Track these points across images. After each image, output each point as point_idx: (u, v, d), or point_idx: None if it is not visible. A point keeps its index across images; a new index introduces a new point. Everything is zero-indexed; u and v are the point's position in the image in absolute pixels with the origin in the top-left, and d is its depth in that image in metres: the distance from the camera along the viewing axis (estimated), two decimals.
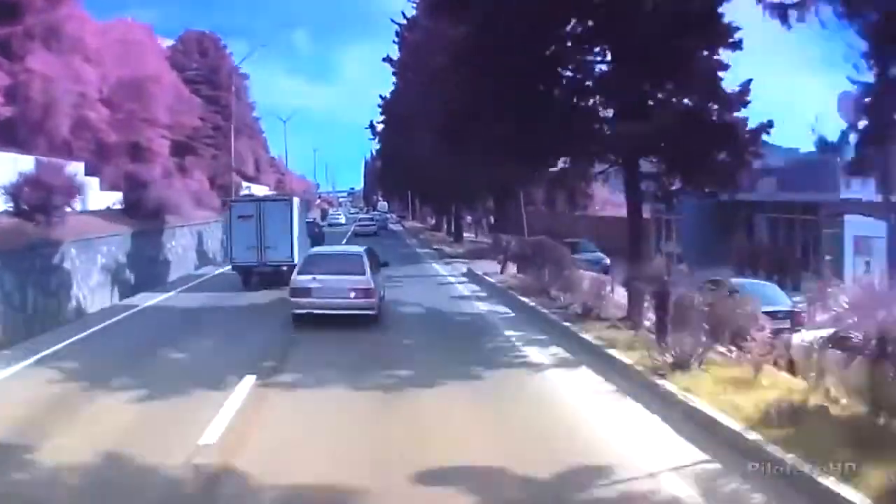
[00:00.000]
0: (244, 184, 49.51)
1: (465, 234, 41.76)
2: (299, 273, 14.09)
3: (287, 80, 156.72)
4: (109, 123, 31.34)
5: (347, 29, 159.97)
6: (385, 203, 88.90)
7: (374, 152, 76.46)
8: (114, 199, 24.29)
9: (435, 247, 36.94)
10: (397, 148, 41.95)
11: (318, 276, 13.57)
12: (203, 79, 48.16)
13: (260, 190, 50.18)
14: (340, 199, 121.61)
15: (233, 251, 20.06)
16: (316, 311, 13.36)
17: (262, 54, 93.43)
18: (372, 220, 58.88)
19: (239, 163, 53.45)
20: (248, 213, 19.85)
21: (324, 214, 68.54)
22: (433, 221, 59.55)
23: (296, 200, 21.48)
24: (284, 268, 18.08)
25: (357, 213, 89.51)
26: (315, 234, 28.90)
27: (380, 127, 47.51)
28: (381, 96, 44.66)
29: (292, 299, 13.80)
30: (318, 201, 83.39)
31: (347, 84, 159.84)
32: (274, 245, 19.41)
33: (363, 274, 13.79)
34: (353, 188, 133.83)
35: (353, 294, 13.48)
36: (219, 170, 46.08)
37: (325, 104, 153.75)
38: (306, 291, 13.51)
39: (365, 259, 14.34)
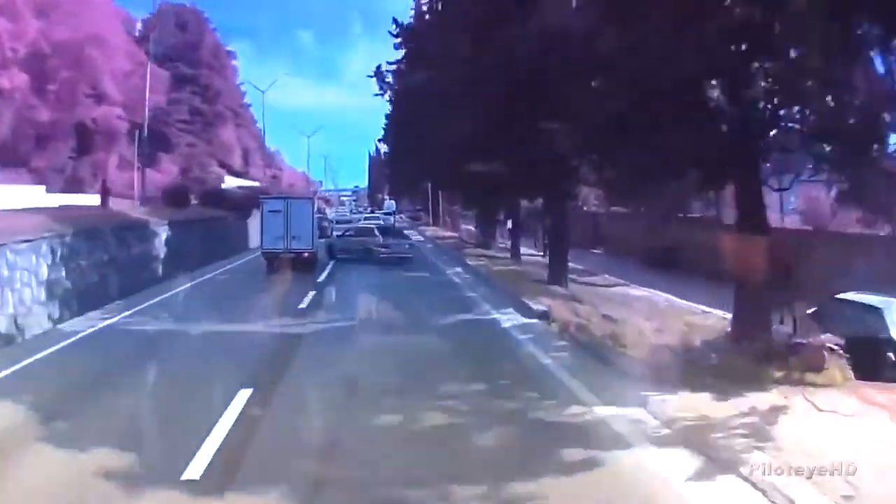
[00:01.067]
0: (225, 177, 42.70)
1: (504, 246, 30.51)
2: (381, 238, 29.22)
3: (290, 80, 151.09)
4: (38, 95, 24.88)
5: (350, 29, 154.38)
6: (392, 202, 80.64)
7: (378, 146, 66.55)
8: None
9: (524, 298, 15.95)
10: (419, 108, 24.62)
11: (391, 240, 29.34)
12: (179, 55, 41.69)
13: (234, 183, 42.40)
14: (343, 199, 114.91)
15: (264, 240, 23.43)
16: (392, 255, 27.08)
17: (263, 54, 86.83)
18: (379, 220, 51.30)
19: (223, 153, 46.98)
20: (278, 208, 23.42)
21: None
22: (473, 228, 39.35)
23: (315, 200, 28.75)
24: (305, 254, 23.22)
25: (360, 212, 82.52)
26: (323, 228, 33.66)
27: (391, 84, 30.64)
28: (395, 20, 25.01)
29: (381, 249, 27.52)
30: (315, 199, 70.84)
31: (351, 86, 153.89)
32: (298, 236, 23.12)
33: (409, 239, 32.88)
34: (357, 186, 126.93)
35: (406, 247, 29.24)
36: (195, 160, 39.54)
37: (329, 105, 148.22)
38: (387, 246, 28.00)
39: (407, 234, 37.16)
